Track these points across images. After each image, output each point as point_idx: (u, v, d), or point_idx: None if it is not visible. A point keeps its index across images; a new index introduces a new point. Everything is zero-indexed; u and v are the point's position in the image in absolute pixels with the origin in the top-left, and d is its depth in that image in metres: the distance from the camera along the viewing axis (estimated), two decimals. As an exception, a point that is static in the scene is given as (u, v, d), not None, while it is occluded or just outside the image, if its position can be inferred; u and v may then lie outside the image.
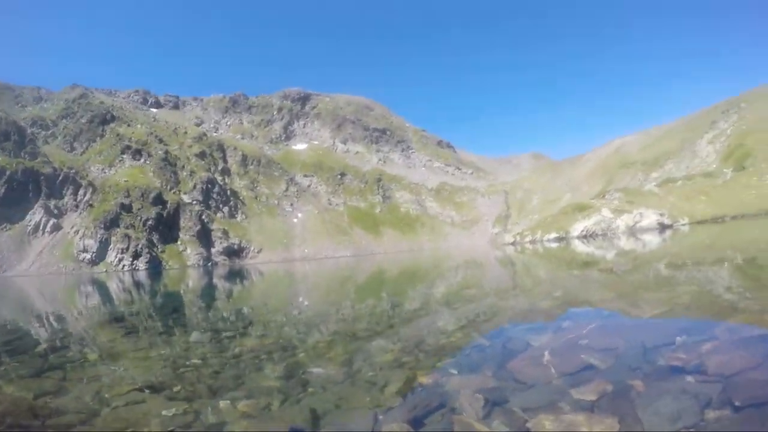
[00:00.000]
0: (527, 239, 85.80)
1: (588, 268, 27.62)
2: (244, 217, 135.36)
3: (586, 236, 73.78)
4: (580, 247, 51.92)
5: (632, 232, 69.55)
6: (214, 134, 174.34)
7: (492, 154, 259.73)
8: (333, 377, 8.38)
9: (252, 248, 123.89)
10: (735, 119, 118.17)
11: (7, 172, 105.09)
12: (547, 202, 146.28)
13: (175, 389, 8.45)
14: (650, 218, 72.98)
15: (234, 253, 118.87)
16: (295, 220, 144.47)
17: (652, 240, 47.19)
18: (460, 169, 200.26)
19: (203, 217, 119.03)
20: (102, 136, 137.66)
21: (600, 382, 6.26)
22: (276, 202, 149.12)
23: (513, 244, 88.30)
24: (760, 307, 9.87)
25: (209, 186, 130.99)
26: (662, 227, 69.52)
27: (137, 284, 54.31)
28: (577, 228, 78.22)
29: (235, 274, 65.86)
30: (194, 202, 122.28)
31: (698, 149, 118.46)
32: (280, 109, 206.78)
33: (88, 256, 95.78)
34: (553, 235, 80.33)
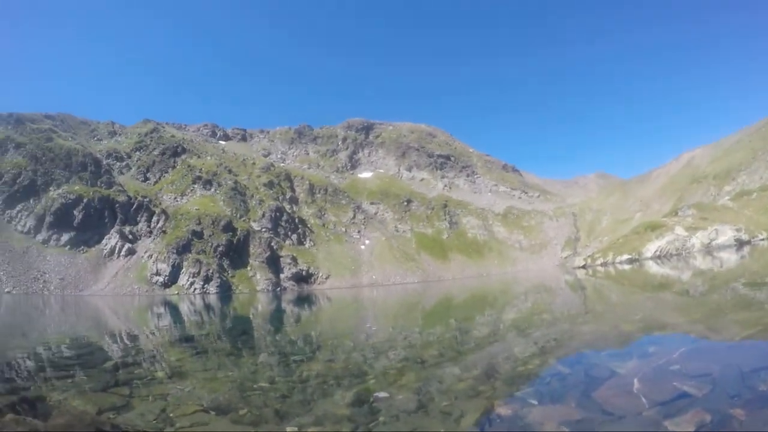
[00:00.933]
0: (598, 262, 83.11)
1: (663, 291, 26.63)
2: (312, 244, 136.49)
3: (660, 256, 70.99)
4: (653, 268, 50.07)
5: (708, 250, 66.61)
6: (281, 165, 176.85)
7: (557, 176, 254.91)
8: (405, 406, 8.14)
9: (320, 274, 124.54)
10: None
11: (85, 200, 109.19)
12: (618, 222, 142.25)
13: (241, 412, 8.42)
14: (726, 234, 69.54)
15: (302, 278, 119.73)
16: (363, 246, 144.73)
17: (730, 258, 45.06)
18: (526, 193, 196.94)
19: (272, 243, 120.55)
20: (174, 167, 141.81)
21: (697, 412, 5.87)
22: (343, 229, 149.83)
23: (584, 267, 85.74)
24: None
25: (277, 214, 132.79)
26: (740, 243, 66.23)
27: (207, 307, 55.31)
28: (650, 248, 75.20)
29: (304, 299, 66.31)
30: (263, 230, 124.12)
31: None
32: (344, 139, 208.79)
33: (160, 279, 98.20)
34: (625, 256, 77.44)
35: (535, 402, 7.43)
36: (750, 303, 14.90)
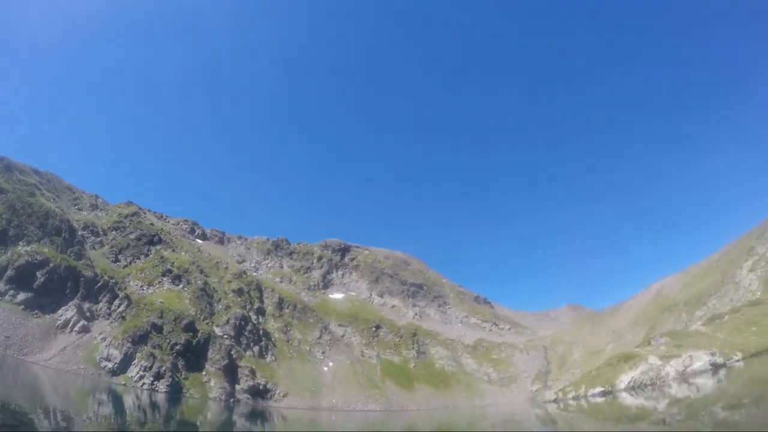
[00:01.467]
0: (570, 395, 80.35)
1: (638, 421, 25.12)
2: (273, 358, 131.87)
3: (634, 387, 68.82)
4: (628, 399, 48.38)
5: (684, 377, 64.70)
6: (254, 273, 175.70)
7: (530, 308, 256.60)
8: None
9: (278, 391, 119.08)
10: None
11: (51, 264, 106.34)
12: (590, 354, 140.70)
13: None
14: (701, 360, 67.75)
15: (258, 393, 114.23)
16: (326, 368, 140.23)
17: (706, 383, 43.53)
18: (497, 325, 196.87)
19: (232, 352, 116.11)
20: (147, 254, 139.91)
21: None
22: (308, 348, 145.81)
23: (555, 401, 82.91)
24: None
25: (242, 323, 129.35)
26: (715, 367, 64.47)
27: (153, 405, 51.81)
28: (624, 379, 72.98)
29: (257, 415, 63.00)
30: (225, 336, 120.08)
31: (740, 279, 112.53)
32: (320, 258, 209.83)
33: (110, 365, 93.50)
34: (598, 389, 74.93)
35: None
36: (728, 426, 13.42)
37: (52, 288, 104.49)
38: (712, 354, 68.70)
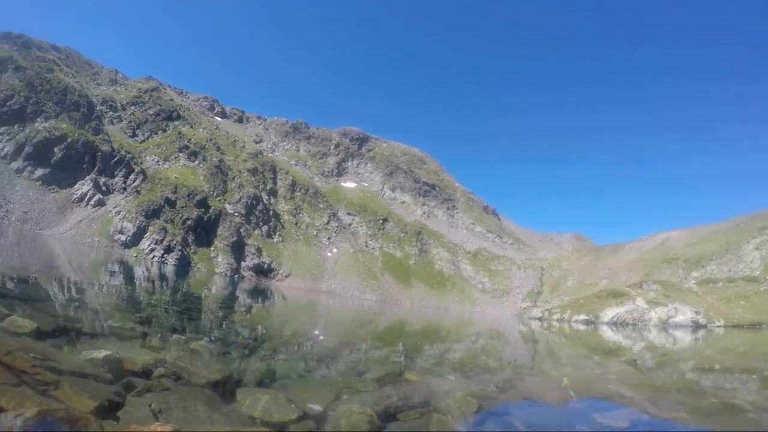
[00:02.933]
0: (555, 317, 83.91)
1: (612, 357, 26.87)
2: (280, 239, 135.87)
3: (616, 323, 71.72)
4: (607, 333, 50.71)
5: (664, 326, 67.45)
6: (270, 155, 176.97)
7: (535, 228, 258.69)
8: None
9: (281, 271, 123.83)
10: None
11: (69, 140, 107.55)
12: (583, 285, 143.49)
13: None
14: (685, 314, 70.36)
15: (262, 271, 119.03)
16: (329, 254, 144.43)
17: (684, 338, 45.64)
18: (500, 238, 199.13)
19: (241, 230, 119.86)
20: (164, 130, 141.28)
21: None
22: (315, 232, 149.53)
23: (540, 319, 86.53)
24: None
25: (254, 202, 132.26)
26: (696, 326, 67.27)
27: (162, 276, 54.61)
28: (608, 313, 75.91)
29: (259, 292, 65.83)
30: (236, 214, 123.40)
31: (743, 254, 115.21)
32: (337, 145, 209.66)
33: (123, 237, 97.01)
34: (582, 316, 78.20)
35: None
36: (693, 388, 15.07)
37: (70, 163, 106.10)
38: (697, 313, 71.04)
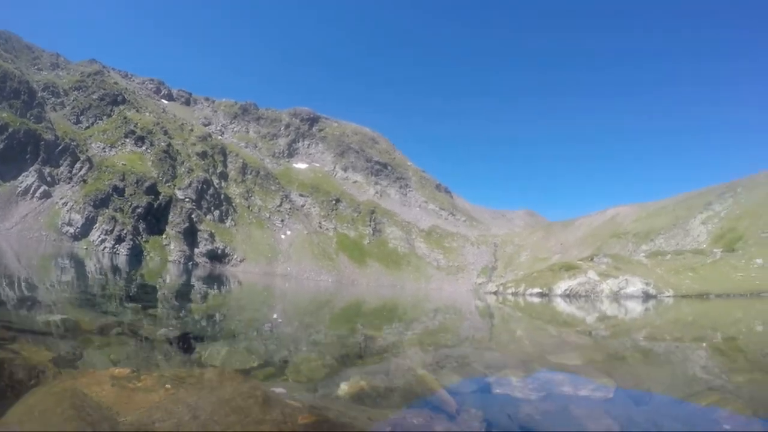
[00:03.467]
0: (510, 290, 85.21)
1: (567, 328, 27.46)
2: (233, 223, 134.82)
3: (569, 295, 73.15)
4: (561, 305, 51.58)
5: (616, 297, 69.14)
6: (219, 137, 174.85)
7: (487, 205, 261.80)
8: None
9: (235, 256, 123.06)
10: (730, 203, 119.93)
11: (10, 129, 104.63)
12: (536, 259, 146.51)
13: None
14: (636, 285, 72.30)
15: (216, 257, 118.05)
16: (283, 236, 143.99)
17: (635, 308, 46.82)
18: (453, 215, 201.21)
19: (193, 216, 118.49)
20: (109, 115, 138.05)
21: None
22: (267, 215, 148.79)
23: (495, 293, 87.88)
24: (731, 393, 9.76)
25: (204, 186, 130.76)
26: (646, 296, 69.16)
27: (114, 268, 53.62)
28: (561, 286, 77.36)
29: (214, 279, 65.28)
30: (186, 200, 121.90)
31: (691, 228, 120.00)
32: (287, 126, 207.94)
33: (71, 229, 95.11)
34: (536, 290, 79.57)
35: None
36: (646, 355, 15.58)
37: (12, 154, 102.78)
38: (647, 284, 73.05)
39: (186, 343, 9.58)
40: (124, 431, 4.98)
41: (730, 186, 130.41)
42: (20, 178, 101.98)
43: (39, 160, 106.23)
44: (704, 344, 19.47)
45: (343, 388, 8.78)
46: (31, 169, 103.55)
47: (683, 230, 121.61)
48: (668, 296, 68.81)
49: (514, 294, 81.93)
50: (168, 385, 6.25)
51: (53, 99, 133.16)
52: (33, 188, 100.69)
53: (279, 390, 8.03)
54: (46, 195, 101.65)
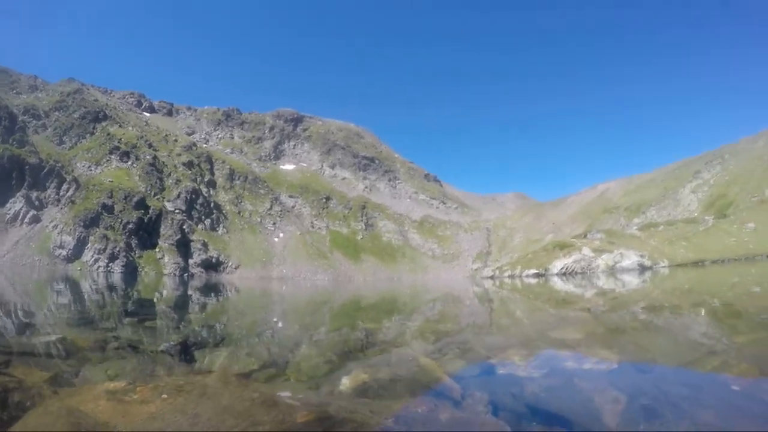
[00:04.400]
0: (506, 273, 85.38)
1: (566, 306, 27.43)
2: (225, 231, 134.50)
3: (566, 274, 73.37)
4: (558, 284, 51.62)
5: (612, 271, 69.43)
6: (204, 145, 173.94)
7: (476, 190, 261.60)
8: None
9: (230, 263, 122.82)
10: (718, 170, 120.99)
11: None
12: (529, 241, 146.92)
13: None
14: (631, 258, 72.85)
15: (211, 266, 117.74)
16: (276, 239, 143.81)
17: (632, 281, 46.94)
18: (444, 204, 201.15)
19: (184, 226, 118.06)
20: (92, 133, 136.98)
21: None
22: (259, 219, 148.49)
23: (492, 278, 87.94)
24: (735, 356, 9.76)
25: (193, 196, 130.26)
26: (642, 268, 69.54)
27: (110, 287, 53.25)
28: (557, 265, 77.68)
29: (211, 288, 64.91)
30: (177, 211, 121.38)
31: (681, 197, 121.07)
32: (272, 128, 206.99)
33: (64, 252, 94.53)
34: (533, 271, 79.81)
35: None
36: (644, 327, 15.55)
37: None
38: (642, 256, 73.61)
39: (186, 352, 9.50)
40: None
41: (717, 153, 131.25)
42: (8, 204, 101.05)
43: (25, 185, 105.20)
44: (703, 311, 19.49)
45: (345, 382, 8.73)
46: (18, 194, 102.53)
47: (674, 200, 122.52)
48: (664, 267, 69.19)
49: (511, 277, 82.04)
50: (165, 395, 6.19)
51: (34, 122, 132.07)
52: (21, 214, 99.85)
53: (280, 390, 7.96)
54: (36, 219, 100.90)
